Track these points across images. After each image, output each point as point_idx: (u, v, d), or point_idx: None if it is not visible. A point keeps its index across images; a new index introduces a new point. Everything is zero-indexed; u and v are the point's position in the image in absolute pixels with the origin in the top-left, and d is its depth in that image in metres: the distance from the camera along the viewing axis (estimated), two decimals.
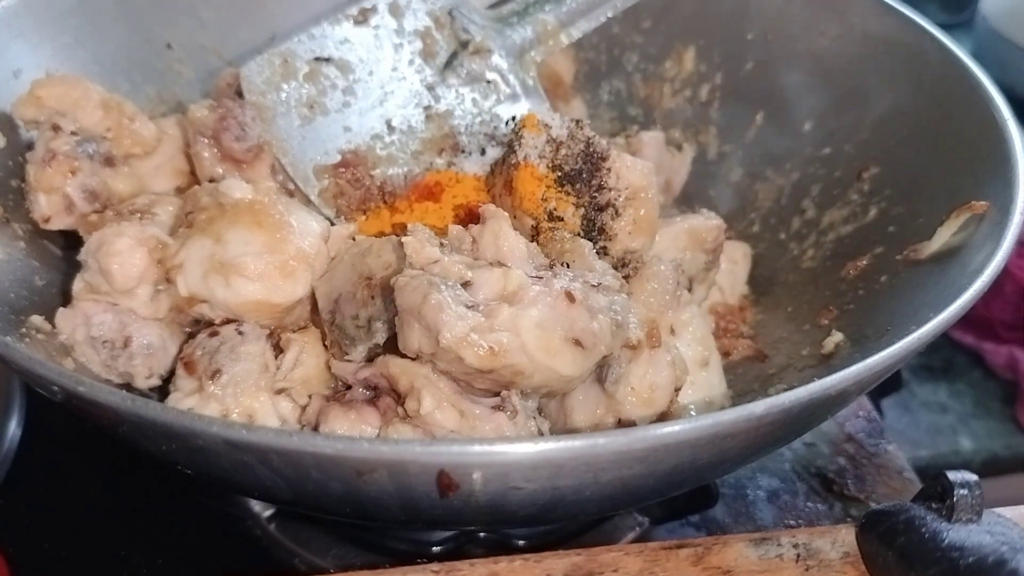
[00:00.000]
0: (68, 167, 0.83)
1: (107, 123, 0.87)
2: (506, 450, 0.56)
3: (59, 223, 0.84)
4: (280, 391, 0.74)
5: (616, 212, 0.85)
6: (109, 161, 0.87)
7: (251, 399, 0.73)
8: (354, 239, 0.81)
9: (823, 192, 1.02)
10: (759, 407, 0.58)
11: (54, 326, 0.79)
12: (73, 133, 0.85)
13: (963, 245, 0.80)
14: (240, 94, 0.89)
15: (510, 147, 0.87)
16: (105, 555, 0.88)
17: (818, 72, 1.02)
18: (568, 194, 0.85)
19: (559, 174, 0.85)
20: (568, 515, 0.76)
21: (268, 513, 0.91)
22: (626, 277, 0.82)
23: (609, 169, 0.85)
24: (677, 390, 0.77)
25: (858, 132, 0.99)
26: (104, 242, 0.76)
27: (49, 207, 0.83)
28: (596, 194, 0.85)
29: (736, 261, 1.02)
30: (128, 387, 0.79)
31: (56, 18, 0.96)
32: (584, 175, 0.85)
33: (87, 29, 0.98)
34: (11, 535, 0.88)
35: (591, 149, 0.85)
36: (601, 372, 0.74)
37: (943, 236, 0.83)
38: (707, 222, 0.93)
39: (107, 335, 0.78)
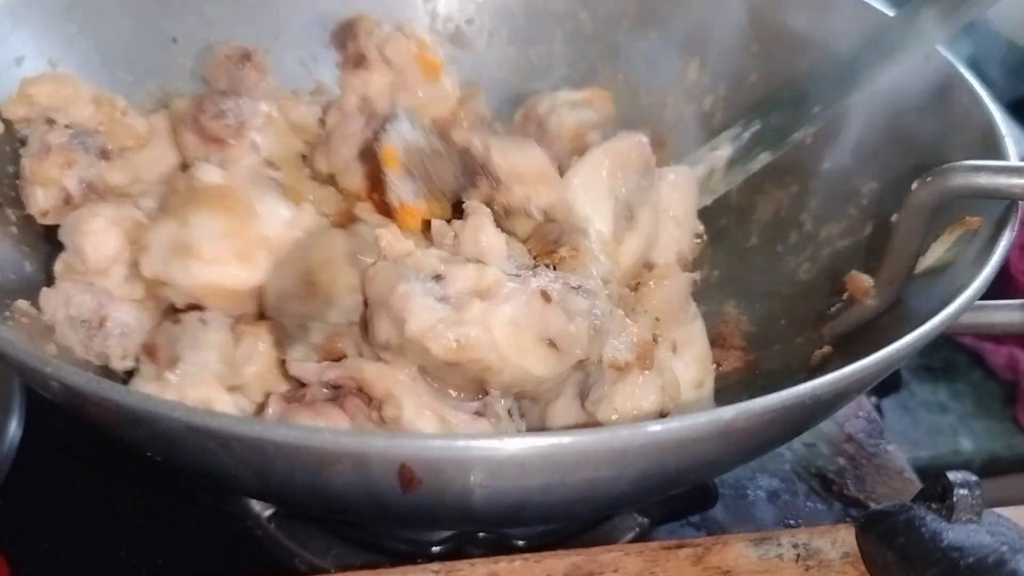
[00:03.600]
0: (64, 159, 0.82)
1: (99, 117, 0.86)
2: (469, 445, 0.55)
3: (57, 217, 0.83)
4: (232, 388, 0.73)
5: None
6: (105, 154, 0.86)
7: (208, 389, 0.71)
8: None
9: (822, 206, 1.01)
10: (728, 412, 0.57)
11: (39, 309, 0.78)
12: (67, 127, 0.84)
13: (955, 261, 0.79)
14: (245, 62, 0.89)
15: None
16: (105, 555, 0.87)
17: (819, 85, 1.01)
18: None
19: (444, 200, 0.78)
20: (540, 517, 0.75)
21: (268, 513, 0.89)
22: (635, 288, 0.81)
23: (495, 176, 0.78)
24: (663, 415, 0.75)
25: (858, 146, 0.98)
26: (80, 221, 0.76)
27: (46, 200, 0.82)
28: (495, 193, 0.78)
29: (680, 187, 0.93)
30: (106, 369, 0.79)
31: (61, 7, 0.96)
32: (469, 189, 0.79)
33: (92, 20, 0.98)
34: (11, 535, 0.87)
35: (467, 160, 0.78)
36: (583, 388, 0.73)
37: (937, 251, 0.82)
38: (626, 138, 0.84)
39: (85, 315, 0.77)
